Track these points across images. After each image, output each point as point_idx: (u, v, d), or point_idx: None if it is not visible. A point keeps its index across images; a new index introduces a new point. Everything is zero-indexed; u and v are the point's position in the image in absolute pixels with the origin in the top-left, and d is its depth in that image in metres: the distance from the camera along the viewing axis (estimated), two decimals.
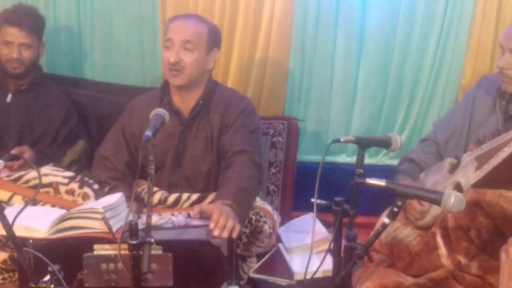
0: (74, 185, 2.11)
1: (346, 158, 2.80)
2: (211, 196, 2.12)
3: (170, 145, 2.18)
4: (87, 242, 1.66)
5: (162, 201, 2.13)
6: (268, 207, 2.27)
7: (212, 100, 2.19)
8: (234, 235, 1.70)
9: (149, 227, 1.52)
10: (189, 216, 1.96)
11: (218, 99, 2.20)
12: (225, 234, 1.67)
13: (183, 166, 2.20)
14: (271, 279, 2.01)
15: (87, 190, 2.11)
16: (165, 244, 1.65)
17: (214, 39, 2.17)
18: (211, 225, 1.69)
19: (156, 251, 1.63)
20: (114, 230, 1.68)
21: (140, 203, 2.11)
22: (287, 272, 2.05)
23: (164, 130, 2.10)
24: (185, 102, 2.18)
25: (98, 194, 2.11)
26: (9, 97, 2.48)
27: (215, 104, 2.19)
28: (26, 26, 2.42)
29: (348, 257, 1.50)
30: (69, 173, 2.18)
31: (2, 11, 2.48)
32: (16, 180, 2.11)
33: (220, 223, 1.69)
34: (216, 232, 1.67)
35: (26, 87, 2.50)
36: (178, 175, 2.20)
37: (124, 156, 2.22)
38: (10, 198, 2.03)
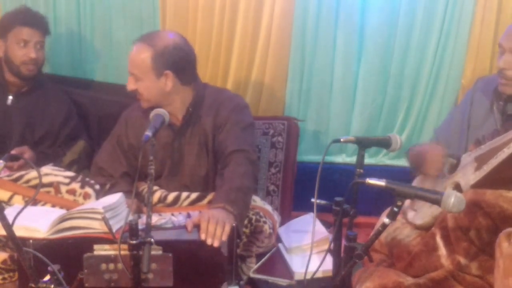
0: (76, 185, 2.12)
1: (346, 158, 2.80)
2: (210, 195, 2.12)
3: (167, 155, 2.18)
4: (87, 242, 1.66)
5: (162, 200, 2.13)
6: (268, 207, 2.27)
7: (203, 104, 2.17)
8: (224, 238, 1.71)
9: (149, 227, 1.52)
10: (189, 216, 1.97)
11: (209, 103, 2.18)
12: (216, 244, 1.68)
13: (181, 174, 2.20)
14: (271, 279, 2.02)
15: (88, 190, 2.11)
16: (165, 244, 1.66)
17: (162, 62, 2.04)
18: (202, 236, 1.69)
19: (156, 251, 1.63)
20: (114, 230, 1.68)
21: (141, 202, 2.11)
22: (287, 272, 2.06)
23: (158, 141, 2.09)
24: (175, 112, 2.15)
25: (99, 194, 2.12)
26: (9, 100, 2.46)
27: (206, 108, 2.17)
28: (40, 27, 2.42)
29: (348, 257, 1.50)
30: (70, 173, 2.18)
31: (11, 13, 2.44)
32: (16, 180, 2.11)
33: (210, 231, 1.70)
34: (208, 242, 1.68)
35: (27, 89, 2.49)
36: (176, 183, 2.20)
37: (122, 166, 2.21)
38: (10, 198, 2.03)
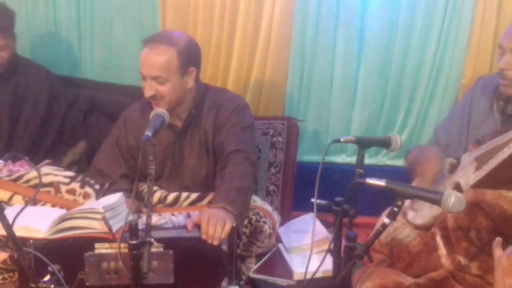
0: (75, 185, 2.12)
1: (346, 158, 2.80)
2: (210, 196, 2.13)
3: (167, 156, 2.18)
4: (87, 242, 1.67)
5: (162, 200, 2.13)
6: (268, 207, 2.27)
7: (204, 105, 2.17)
8: (224, 235, 1.72)
9: (149, 227, 1.52)
10: (189, 216, 1.97)
11: (209, 103, 2.18)
12: (215, 242, 1.70)
13: (182, 175, 2.20)
14: (271, 279, 2.01)
15: (88, 189, 2.11)
16: (166, 242, 1.67)
17: (187, 59, 2.04)
18: (203, 237, 1.71)
19: (157, 248, 1.64)
20: (114, 230, 1.68)
21: (141, 202, 2.11)
22: (287, 272, 2.06)
23: (159, 142, 2.09)
24: (177, 114, 2.15)
25: (99, 194, 2.12)
26: None
27: (207, 108, 2.17)
28: (0, 29, 2.32)
29: (348, 257, 1.51)
30: (70, 173, 2.19)
31: None
32: (16, 179, 2.11)
33: (210, 232, 1.71)
34: (209, 242, 1.70)
35: (1, 80, 2.44)
36: (176, 184, 2.20)
37: (120, 168, 2.20)
38: (10, 198, 2.03)
